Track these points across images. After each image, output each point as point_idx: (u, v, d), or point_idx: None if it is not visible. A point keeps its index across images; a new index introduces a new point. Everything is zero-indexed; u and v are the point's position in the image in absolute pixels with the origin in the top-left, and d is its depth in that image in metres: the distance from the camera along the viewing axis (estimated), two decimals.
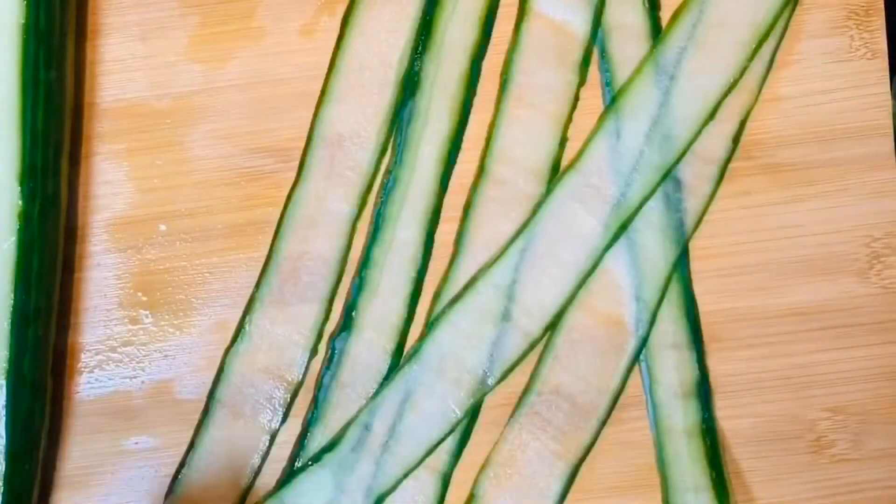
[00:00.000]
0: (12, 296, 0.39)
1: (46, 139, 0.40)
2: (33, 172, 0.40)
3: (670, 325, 0.42)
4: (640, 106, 0.43)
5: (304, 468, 0.42)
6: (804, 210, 0.43)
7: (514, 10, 0.44)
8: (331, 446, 0.42)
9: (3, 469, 0.39)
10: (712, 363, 0.42)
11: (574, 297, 0.42)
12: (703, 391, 0.42)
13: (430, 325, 0.42)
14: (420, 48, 0.43)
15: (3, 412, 0.39)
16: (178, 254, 0.43)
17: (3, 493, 0.39)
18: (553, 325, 0.42)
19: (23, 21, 0.39)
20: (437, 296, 0.43)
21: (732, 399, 0.42)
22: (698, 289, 0.43)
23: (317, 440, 0.42)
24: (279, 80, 0.44)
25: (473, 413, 0.42)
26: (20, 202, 0.39)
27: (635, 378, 0.43)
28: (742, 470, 0.42)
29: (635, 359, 0.42)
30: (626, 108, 0.43)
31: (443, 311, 0.42)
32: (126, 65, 0.44)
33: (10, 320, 0.39)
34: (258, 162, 0.44)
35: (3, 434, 0.39)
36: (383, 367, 0.42)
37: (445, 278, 0.43)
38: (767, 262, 0.43)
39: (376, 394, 0.42)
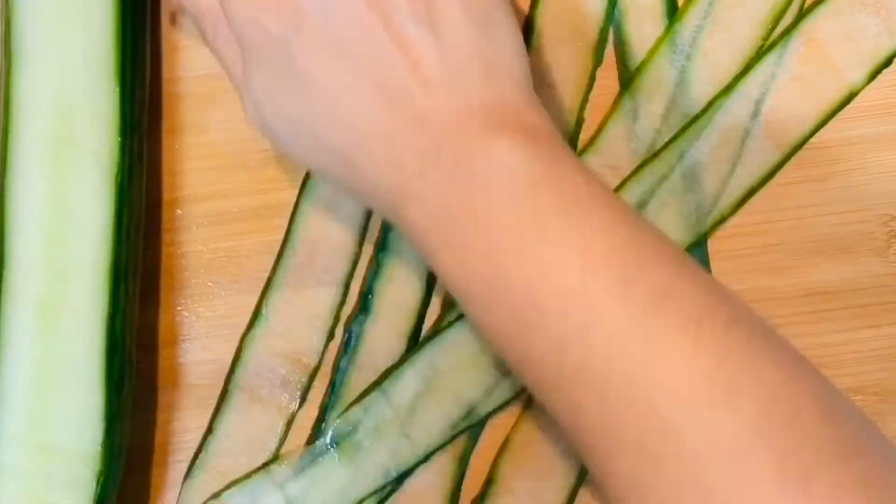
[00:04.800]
0: (109, 250, 0.39)
1: (133, 93, 0.40)
2: (124, 127, 0.39)
3: None
4: (656, 86, 0.42)
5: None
6: (822, 189, 0.43)
7: None
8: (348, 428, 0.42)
9: (102, 431, 0.38)
10: None
11: None
12: None
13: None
14: None
15: (100, 371, 0.38)
16: (195, 238, 0.43)
17: (103, 457, 0.38)
18: None
19: None
20: None
21: None
22: (716, 269, 0.43)
23: (334, 423, 0.42)
24: None
25: None
26: (117, 154, 0.39)
27: None
28: None
29: None
30: (642, 89, 0.43)
31: None
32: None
33: (107, 275, 0.38)
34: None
35: (100, 393, 0.38)
36: (400, 349, 0.42)
37: None
38: (785, 241, 0.43)
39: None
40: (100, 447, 0.38)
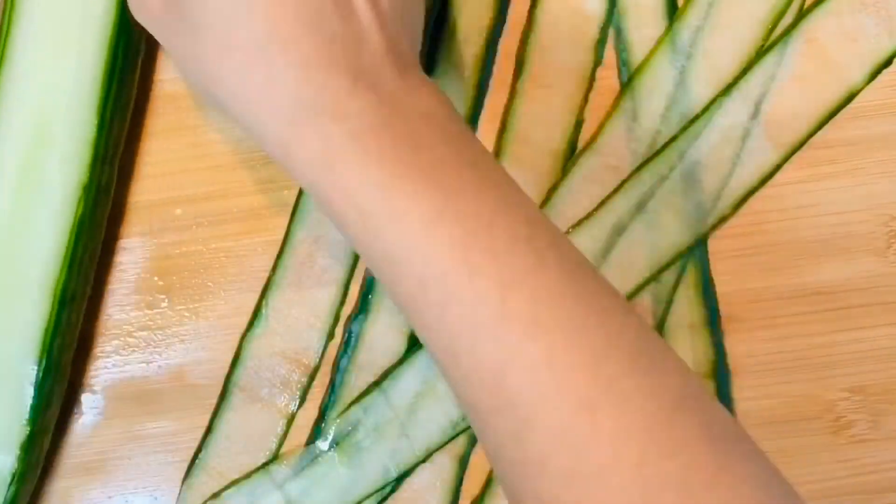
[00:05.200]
0: (57, 277, 0.39)
1: (111, 127, 0.40)
2: (95, 160, 0.40)
3: (687, 305, 0.42)
4: (656, 86, 0.42)
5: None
6: (822, 189, 0.43)
7: None
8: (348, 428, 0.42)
9: (18, 454, 0.39)
10: (730, 344, 0.42)
11: None
12: (721, 372, 0.42)
13: None
14: (434, 30, 0.43)
15: (31, 399, 0.39)
16: (195, 238, 0.43)
17: (16, 476, 0.39)
18: None
19: (112, 16, 0.39)
20: None
21: (750, 380, 0.42)
22: (716, 269, 0.43)
23: (334, 423, 0.42)
24: None
25: None
26: (81, 190, 0.39)
27: None
28: None
29: None
30: (642, 88, 0.43)
31: None
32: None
33: (51, 302, 0.39)
34: None
35: (27, 418, 0.39)
36: (400, 349, 0.42)
37: None
38: (785, 241, 0.43)
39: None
40: (17, 463, 0.39)
